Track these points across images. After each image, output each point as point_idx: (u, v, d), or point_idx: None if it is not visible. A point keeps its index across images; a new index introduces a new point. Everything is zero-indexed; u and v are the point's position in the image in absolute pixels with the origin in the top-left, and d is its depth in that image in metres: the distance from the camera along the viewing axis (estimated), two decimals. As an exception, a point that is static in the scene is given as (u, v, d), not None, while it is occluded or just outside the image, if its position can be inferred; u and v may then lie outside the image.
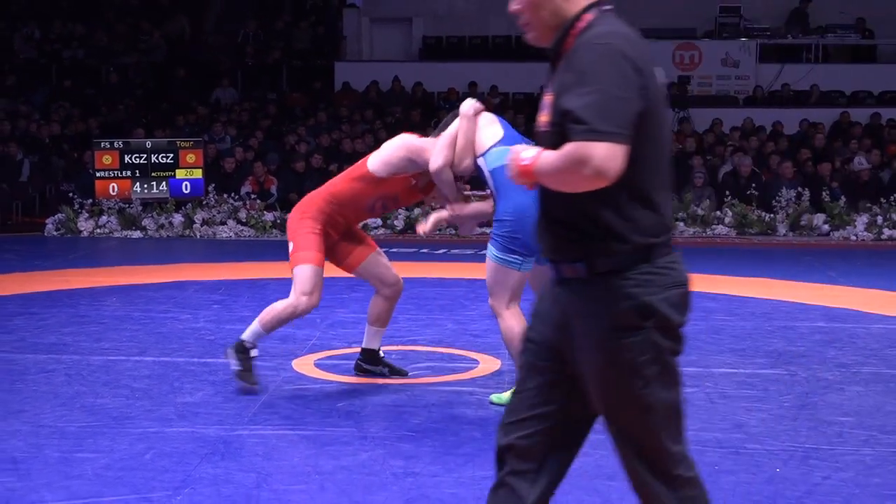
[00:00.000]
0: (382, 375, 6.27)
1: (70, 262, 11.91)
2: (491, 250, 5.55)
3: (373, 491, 4.41)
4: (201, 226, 14.59)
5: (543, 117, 2.94)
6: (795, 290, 9.88)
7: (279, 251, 12.75)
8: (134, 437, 4.98)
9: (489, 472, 4.52)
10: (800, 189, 15.18)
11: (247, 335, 5.90)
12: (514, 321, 5.49)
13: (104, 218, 14.74)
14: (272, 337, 7.24)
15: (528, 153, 2.82)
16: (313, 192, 6.11)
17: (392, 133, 18.30)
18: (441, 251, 12.83)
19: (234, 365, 5.87)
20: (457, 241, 13.79)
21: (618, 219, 2.81)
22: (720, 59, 21.47)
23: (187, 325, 7.80)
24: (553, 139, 2.81)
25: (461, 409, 5.57)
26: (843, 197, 15.15)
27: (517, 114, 19.56)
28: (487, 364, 6.63)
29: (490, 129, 5.75)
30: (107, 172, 15.02)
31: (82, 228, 14.65)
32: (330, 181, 6.15)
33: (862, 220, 14.54)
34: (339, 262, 6.20)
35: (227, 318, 8.09)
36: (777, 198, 15.04)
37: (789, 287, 10.05)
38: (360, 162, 6.10)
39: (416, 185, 6.08)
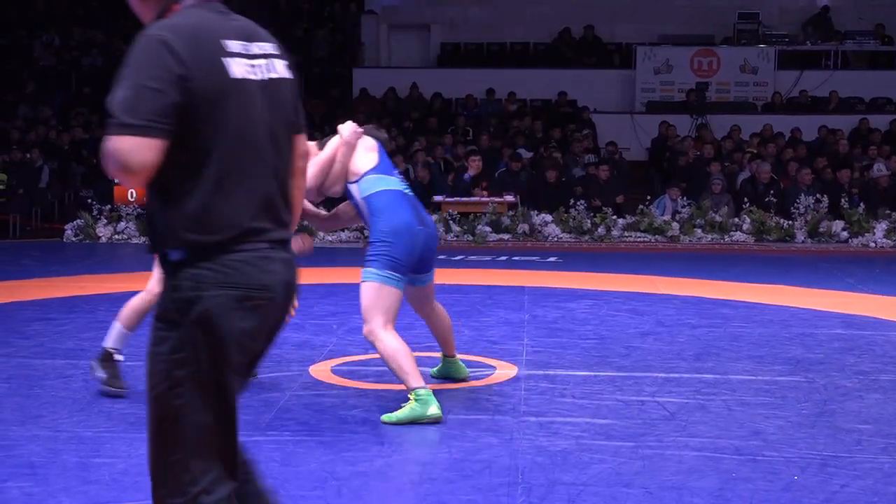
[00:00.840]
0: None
1: (88, 267, 11.94)
2: (368, 272, 5.57)
3: (389, 497, 4.40)
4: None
5: None
6: (814, 297, 9.84)
7: (296, 257, 12.77)
8: (151, 443, 4.98)
9: (506, 479, 4.53)
10: (818, 196, 15.13)
11: (111, 342, 5.90)
12: (392, 341, 5.49)
13: (122, 224, 14.78)
14: (288, 343, 7.26)
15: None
16: None
17: (410, 139, 18.37)
18: (458, 257, 12.83)
19: (101, 373, 5.84)
20: (474, 248, 13.79)
21: (173, 211, 2.73)
22: (738, 65, 21.43)
23: (205, 330, 7.80)
24: None
25: (477, 415, 5.56)
26: (861, 204, 15.10)
27: (535, 120, 19.58)
28: (504, 370, 6.63)
29: (367, 155, 5.82)
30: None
31: (101, 234, 14.69)
32: None
33: (881, 227, 14.48)
34: None
35: (245, 323, 8.08)
36: (795, 204, 15.00)
37: (808, 294, 10.01)
38: None
39: None
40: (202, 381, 2.77)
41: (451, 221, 14.67)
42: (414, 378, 5.44)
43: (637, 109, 21.13)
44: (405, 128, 19.35)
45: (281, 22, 23.56)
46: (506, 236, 14.59)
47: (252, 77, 2.82)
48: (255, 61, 2.84)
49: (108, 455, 4.78)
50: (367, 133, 5.97)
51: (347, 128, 5.86)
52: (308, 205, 6.07)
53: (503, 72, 21.76)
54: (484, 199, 15.08)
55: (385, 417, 5.43)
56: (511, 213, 14.91)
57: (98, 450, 4.87)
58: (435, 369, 6.41)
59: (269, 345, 2.99)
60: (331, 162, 5.77)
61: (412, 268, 5.66)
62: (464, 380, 6.32)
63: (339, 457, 4.83)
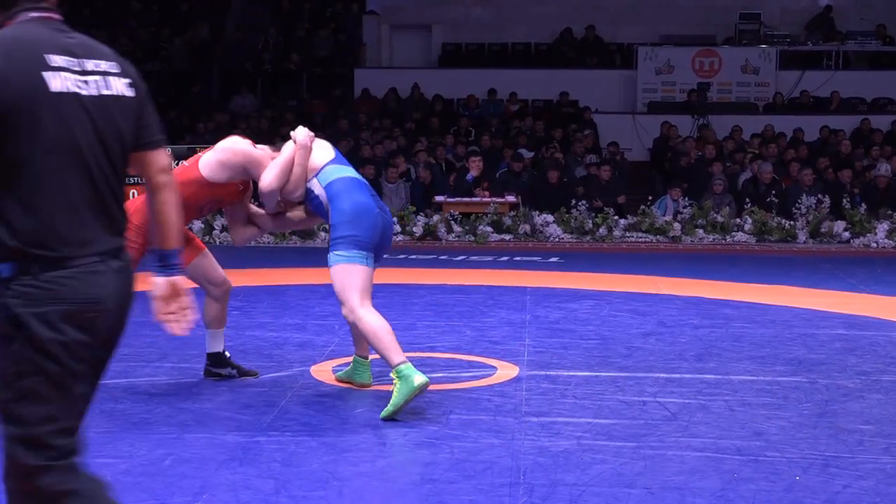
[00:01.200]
0: (231, 377, 6.33)
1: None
2: (333, 256, 5.64)
3: (391, 498, 4.41)
4: (221, 232, 14.63)
5: None
6: (816, 297, 9.84)
7: (298, 258, 12.81)
8: (153, 443, 4.99)
9: (508, 480, 4.53)
10: (820, 196, 15.14)
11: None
12: (372, 317, 5.55)
13: (124, 224, 14.77)
14: (290, 343, 7.28)
15: None
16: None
17: (412, 140, 18.38)
18: (460, 258, 12.83)
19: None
20: (476, 248, 13.80)
21: None
22: (740, 65, 21.43)
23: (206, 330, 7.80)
24: None
25: (479, 415, 5.57)
26: (863, 204, 15.10)
27: (536, 120, 19.59)
28: (506, 370, 6.63)
29: (322, 151, 5.95)
30: (128, 178, 15.02)
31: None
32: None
33: (883, 228, 14.47)
34: None
35: (247, 324, 8.10)
36: (797, 205, 15.00)
37: (809, 294, 10.01)
38: (188, 164, 6.08)
39: (243, 191, 6.11)
40: (45, 391, 2.84)
41: (452, 222, 14.67)
42: (395, 353, 5.47)
43: (639, 110, 21.13)
44: (407, 128, 19.36)
45: (283, 22, 23.61)
46: (507, 237, 14.58)
47: (80, 92, 2.88)
48: (88, 77, 2.92)
49: (109, 455, 4.79)
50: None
51: (301, 132, 5.94)
52: (252, 207, 6.18)
53: (505, 72, 21.76)
54: (485, 199, 15.08)
55: (383, 414, 5.44)
56: (512, 213, 14.91)
57: (100, 450, 4.86)
58: (342, 372, 6.31)
59: (111, 352, 3.09)
60: (290, 164, 5.84)
61: (377, 245, 5.72)
62: (366, 386, 6.11)
63: (340, 457, 4.84)
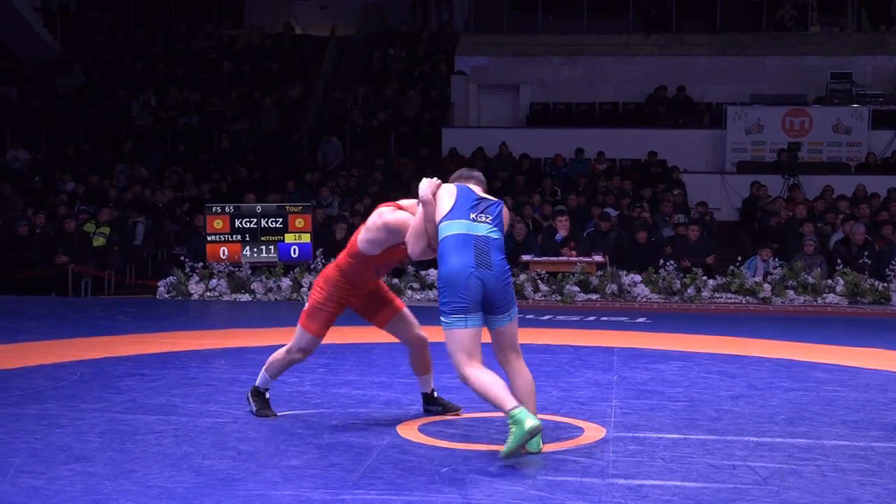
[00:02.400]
0: (438, 413, 6.87)
1: (180, 324, 12.11)
2: (441, 322, 5.91)
3: (476, 559, 4.37)
4: (309, 290, 14.74)
5: None
6: (911, 361, 9.63)
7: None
8: (240, 499, 5.01)
9: (594, 543, 4.47)
10: (915, 258, 14.87)
11: (259, 382, 6.88)
12: (478, 373, 5.81)
13: (214, 281, 14.99)
14: (376, 401, 7.29)
15: None
16: (332, 262, 6.79)
17: (498, 197, 18.42)
18: (546, 317, 12.78)
19: (253, 406, 6.84)
20: (562, 308, 13.73)
21: None
22: (831, 125, 21.23)
23: (294, 388, 7.86)
24: None
25: (566, 476, 5.51)
26: (959, 266, 14.81)
27: (624, 179, 19.55)
28: (592, 432, 6.56)
29: (442, 203, 6.09)
30: (218, 236, 15.28)
31: (193, 291, 14.91)
32: (342, 251, 6.70)
33: (980, 290, 14.17)
34: (370, 320, 6.94)
35: (333, 381, 8.14)
36: (891, 266, 14.74)
37: (904, 358, 9.80)
38: (352, 238, 6.58)
39: (404, 247, 6.38)
40: None
41: (539, 281, 14.64)
42: (506, 400, 5.70)
43: (728, 169, 21.00)
44: (494, 186, 19.42)
45: (373, 82, 23.89)
46: (594, 296, 14.52)
47: None
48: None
49: (197, 511, 4.82)
50: (458, 177, 6.31)
51: (423, 186, 6.14)
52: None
53: (592, 131, 21.79)
54: (573, 258, 15.04)
55: (501, 453, 5.69)
56: (600, 273, 14.85)
57: (187, 505, 4.91)
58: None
59: None
60: (423, 224, 6.08)
61: (480, 307, 5.86)
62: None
63: (425, 517, 4.81)
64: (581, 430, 6.64)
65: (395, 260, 6.62)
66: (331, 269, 6.73)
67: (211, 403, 7.27)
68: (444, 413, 6.89)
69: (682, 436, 6.46)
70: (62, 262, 15.75)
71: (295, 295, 14.70)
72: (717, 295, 14.71)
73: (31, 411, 6.94)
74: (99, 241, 16.57)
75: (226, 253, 15.25)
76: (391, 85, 23.63)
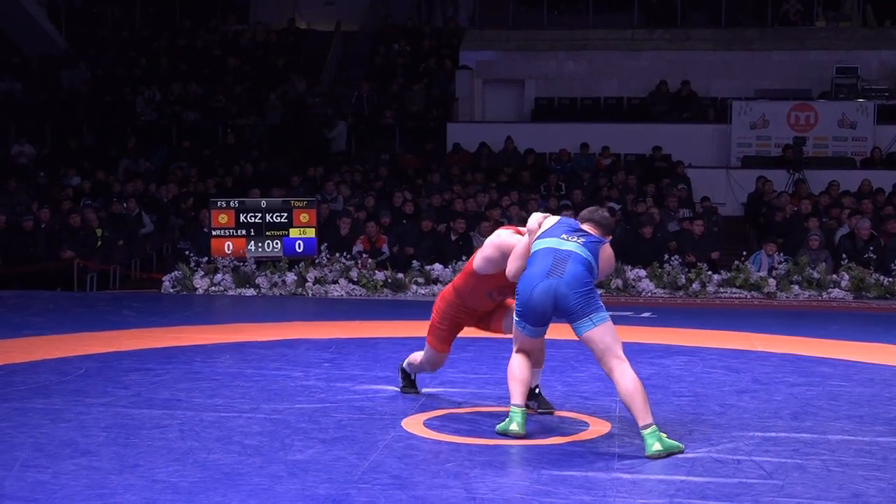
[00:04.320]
0: (532, 408, 6.83)
1: (185, 319, 12.12)
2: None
3: (481, 553, 4.37)
4: (313, 284, 14.76)
5: None
6: (916, 356, 9.62)
7: (390, 310, 12.86)
8: (245, 494, 5.02)
9: (599, 537, 4.47)
10: (920, 253, 14.85)
11: (405, 364, 7.43)
12: (514, 360, 6.39)
13: (219, 276, 14.99)
14: (381, 396, 7.31)
15: None
16: (450, 284, 7.14)
17: (503, 192, 18.39)
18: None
19: (400, 382, 7.47)
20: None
21: None
22: (837, 120, 21.19)
23: (298, 382, 7.87)
24: None
25: (570, 471, 5.52)
26: (965, 261, 14.78)
27: (629, 174, 19.53)
28: (597, 427, 6.57)
29: (542, 228, 6.39)
30: (222, 231, 15.29)
31: (198, 286, 14.92)
32: (460, 273, 7.06)
33: None
34: (487, 329, 7.19)
35: (338, 376, 8.14)
36: (896, 261, 14.73)
37: (909, 353, 9.79)
38: (470, 258, 6.92)
39: None
40: None
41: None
42: (514, 396, 6.25)
43: (733, 164, 20.97)
44: (500, 181, 19.42)
45: (378, 77, 23.88)
46: (599, 291, 14.51)
47: None
48: None
49: (202, 505, 4.83)
50: (580, 217, 6.51)
51: (532, 219, 6.46)
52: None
53: (597, 126, 21.76)
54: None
55: (498, 427, 6.30)
56: (604, 268, 14.82)
57: (193, 500, 4.91)
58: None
59: None
60: (525, 251, 6.37)
61: (535, 319, 6.24)
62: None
63: (430, 511, 4.82)
64: (586, 424, 6.65)
65: (504, 286, 6.72)
66: (448, 290, 7.05)
67: (216, 398, 7.28)
68: (536, 409, 6.90)
69: (686, 430, 6.46)
70: (67, 256, 15.76)
71: (300, 290, 14.70)
72: (721, 290, 14.70)
73: (37, 406, 6.95)
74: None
75: (230, 248, 15.25)
76: (396, 80, 23.62)
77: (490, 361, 8.68)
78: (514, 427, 6.15)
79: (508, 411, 6.26)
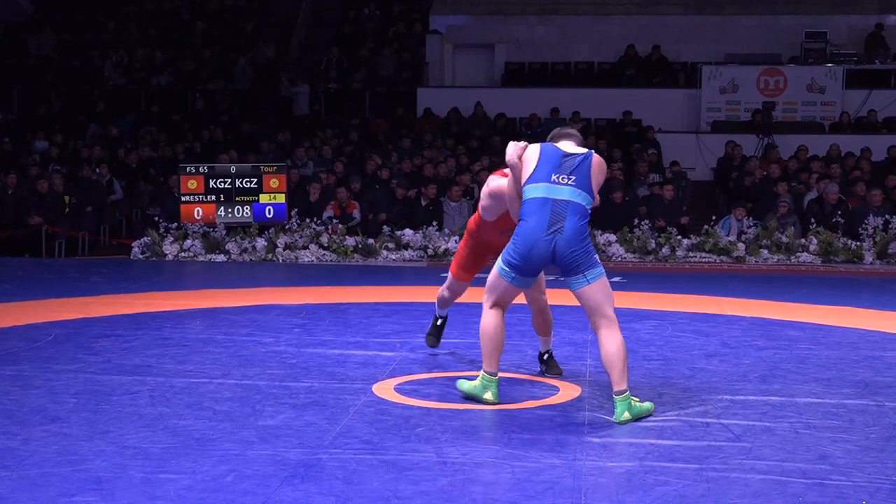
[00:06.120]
0: (541, 374, 7.06)
1: (155, 284, 12.08)
2: (498, 259, 6.22)
3: (452, 517, 4.39)
4: (284, 250, 14.73)
5: None
6: (883, 319, 9.70)
7: (360, 275, 12.85)
8: (216, 459, 5.02)
9: (569, 500, 4.50)
10: (888, 216, 14.94)
11: (437, 311, 7.59)
12: (489, 319, 6.20)
13: (189, 242, 14.94)
14: (352, 361, 7.30)
15: None
16: (474, 215, 7.13)
17: (473, 158, 18.37)
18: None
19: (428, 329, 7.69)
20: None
21: None
22: (806, 84, 21.26)
23: (269, 348, 7.86)
24: None
25: (541, 434, 5.54)
26: (932, 224, 14.90)
27: (599, 139, 19.54)
28: (568, 390, 6.60)
29: (527, 165, 6.13)
30: (192, 197, 15.22)
31: (167, 252, 14.86)
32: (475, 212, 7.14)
33: (952, 249, 14.27)
34: None
35: (309, 341, 8.14)
36: (864, 225, 14.81)
37: (876, 316, 9.87)
38: (476, 213, 7.06)
39: None
40: None
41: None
42: (487, 362, 6.16)
43: (702, 129, 21.02)
44: (470, 147, 19.39)
45: (347, 42, 23.76)
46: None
47: None
48: None
49: (173, 471, 4.82)
50: (553, 136, 6.31)
51: (509, 150, 6.21)
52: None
53: (567, 91, 21.76)
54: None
55: (458, 384, 6.34)
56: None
57: (163, 465, 4.91)
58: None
59: None
60: (514, 188, 6.26)
61: (529, 270, 6.06)
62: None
63: (401, 476, 4.83)
64: (556, 388, 6.68)
65: (509, 225, 6.60)
66: (471, 222, 7.14)
67: (186, 364, 7.27)
68: (545, 374, 7.05)
69: (656, 394, 6.50)
70: (35, 222, 15.66)
71: (270, 255, 14.67)
72: (691, 254, 14.76)
73: (6, 373, 6.92)
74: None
75: (200, 213, 15.19)
76: (366, 45, 23.51)
77: (461, 326, 8.68)
78: (488, 396, 6.14)
79: (479, 376, 6.23)
